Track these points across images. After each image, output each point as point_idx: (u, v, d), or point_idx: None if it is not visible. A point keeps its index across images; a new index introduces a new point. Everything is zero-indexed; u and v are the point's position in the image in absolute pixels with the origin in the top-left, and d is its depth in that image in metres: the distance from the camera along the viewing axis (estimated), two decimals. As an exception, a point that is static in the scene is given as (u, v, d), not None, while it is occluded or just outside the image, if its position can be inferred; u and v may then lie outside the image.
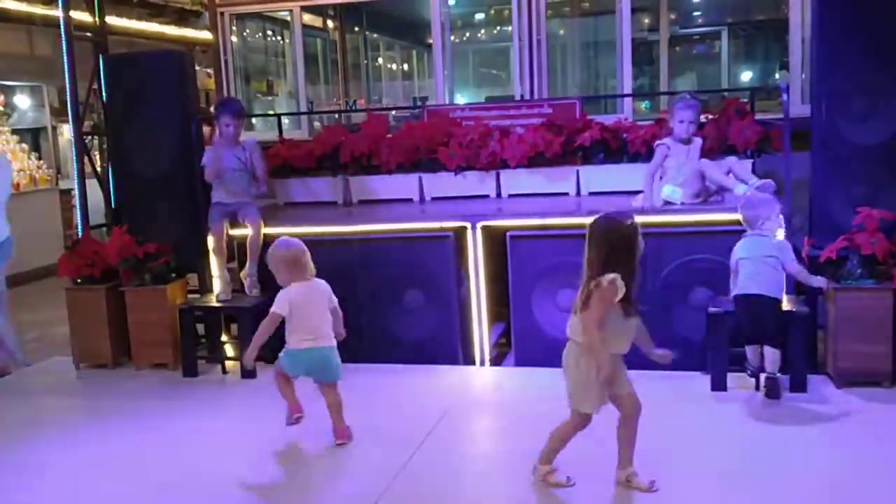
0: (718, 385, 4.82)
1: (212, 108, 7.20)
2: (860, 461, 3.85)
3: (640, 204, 5.38)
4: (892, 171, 5.00)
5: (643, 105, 10.35)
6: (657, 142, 5.49)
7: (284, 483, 3.96)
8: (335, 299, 4.41)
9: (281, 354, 4.37)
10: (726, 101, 6.16)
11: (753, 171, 5.65)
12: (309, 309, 4.28)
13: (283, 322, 4.30)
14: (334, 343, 4.34)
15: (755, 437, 4.21)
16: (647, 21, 10.84)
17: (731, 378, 4.83)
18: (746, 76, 12.58)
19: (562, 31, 11.14)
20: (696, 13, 12.50)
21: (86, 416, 5.17)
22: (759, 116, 5.86)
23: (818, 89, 5.12)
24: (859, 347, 4.75)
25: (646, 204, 5.34)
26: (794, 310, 4.79)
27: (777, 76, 11.23)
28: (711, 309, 4.88)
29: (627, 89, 7.17)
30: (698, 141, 5.45)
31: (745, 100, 6.20)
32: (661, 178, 5.45)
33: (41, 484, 4.08)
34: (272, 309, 4.29)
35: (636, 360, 5.26)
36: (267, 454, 4.27)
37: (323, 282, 4.43)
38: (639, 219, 5.25)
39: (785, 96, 5.37)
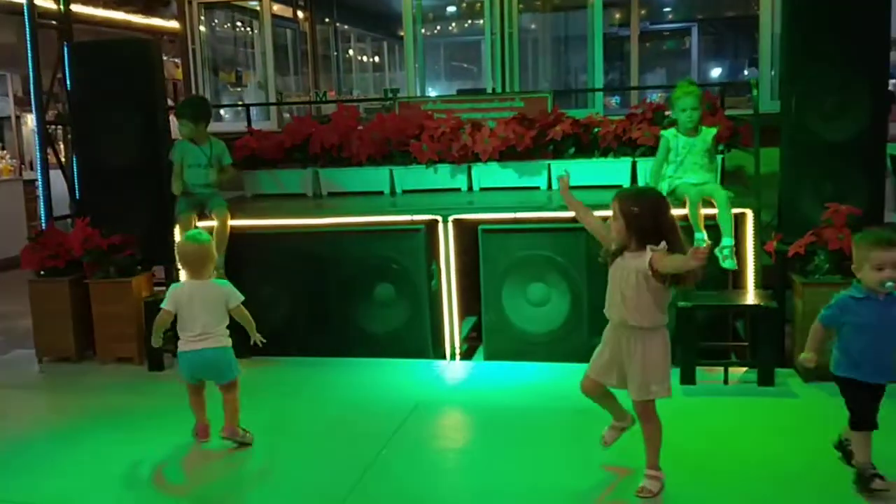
0: (687, 378, 4.85)
1: (170, 103, 7.05)
2: (825, 455, 3.87)
3: None
4: (860, 168, 5.06)
5: (613, 100, 10.38)
6: (660, 132, 5.36)
7: (253, 478, 3.92)
8: (235, 300, 4.23)
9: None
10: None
11: (722, 167, 5.68)
12: (192, 308, 4.15)
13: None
14: (226, 343, 4.21)
15: (723, 430, 4.24)
16: (617, 17, 10.87)
17: (700, 371, 4.86)
18: (716, 72, 12.67)
19: (533, 26, 11.12)
20: (666, 9, 12.55)
21: (49, 411, 5.08)
22: (728, 112, 5.88)
23: (788, 87, 5.16)
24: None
25: None
26: (761, 304, 4.83)
27: (746, 72, 11.33)
28: (681, 303, 4.90)
29: (599, 84, 7.18)
30: (710, 131, 5.22)
31: (716, 95, 6.24)
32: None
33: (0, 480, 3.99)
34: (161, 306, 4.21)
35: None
36: (235, 449, 4.22)
37: (218, 283, 4.30)
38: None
39: (755, 92, 5.39)
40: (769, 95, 6.56)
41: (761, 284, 5.19)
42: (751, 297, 5.03)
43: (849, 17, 5.01)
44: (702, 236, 5.03)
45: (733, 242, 5.01)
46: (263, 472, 3.97)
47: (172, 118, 6.27)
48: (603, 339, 3.63)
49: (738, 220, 5.16)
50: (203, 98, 7.13)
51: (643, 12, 10.34)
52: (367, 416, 4.59)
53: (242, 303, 4.24)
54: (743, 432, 4.20)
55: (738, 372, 5.00)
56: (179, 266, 4.44)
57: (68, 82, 6.33)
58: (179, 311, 4.16)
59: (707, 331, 5.05)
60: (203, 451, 4.22)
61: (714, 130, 5.26)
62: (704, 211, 5.07)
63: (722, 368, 4.92)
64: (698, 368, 4.87)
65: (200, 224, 5.79)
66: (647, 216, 3.38)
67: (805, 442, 4.04)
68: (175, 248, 4.36)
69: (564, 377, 5.07)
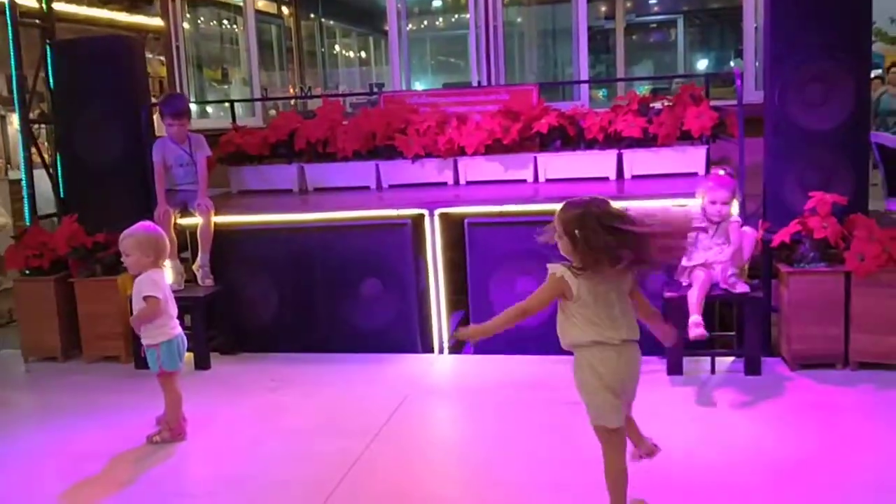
0: (674, 369, 4.86)
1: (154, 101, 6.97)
2: (813, 443, 3.89)
3: None
4: (844, 157, 5.06)
5: (600, 93, 10.38)
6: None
7: (238, 474, 3.90)
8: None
9: (154, 351, 4.23)
10: (682, 88, 6.18)
11: (708, 157, 5.69)
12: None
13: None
14: None
15: (709, 419, 4.25)
16: (603, 9, 10.88)
17: (687, 362, 4.87)
18: (702, 64, 12.71)
19: (519, 19, 11.13)
20: (652, 1, 12.59)
21: (34, 411, 5.06)
22: (714, 102, 5.89)
23: (771, 76, 5.16)
24: (812, 330, 4.81)
25: None
26: (747, 293, 4.84)
27: (732, 63, 11.35)
28: (667, 293, 4.90)
29: (584, 77, 7.17)
30: (735, 227, 4.77)
31: (701, 86, 6.24)
32: None
33: (-13, 480, 3.97)
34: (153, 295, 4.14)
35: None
36: (221, 446, 4.21)
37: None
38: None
39: (739, 82, 5.40)
40: (754, 86, 6.58)
41: (747, 273, 5.20)
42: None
43: (831, 6, 5.02)
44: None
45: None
46: (248, 467, 3.96)
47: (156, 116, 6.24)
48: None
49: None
50: (182, 94, 7.09)
51: (629, 5, 10.39)
52: (354, 411, 4.58)
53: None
54: (731, 421, 4.22)
55: (725, 361, 5.01)
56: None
57: (51, 81, 6.30)
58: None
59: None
60: (186, 450, 4.20)
61: (741, 229, 4.80)
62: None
63: (709, 358, 4.94)
64: (685, 358, 4.88)
65: (184, 221, 5.78)
66: None
67: (793, 429, 4.05)
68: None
69: (554, 370, 5.08)
